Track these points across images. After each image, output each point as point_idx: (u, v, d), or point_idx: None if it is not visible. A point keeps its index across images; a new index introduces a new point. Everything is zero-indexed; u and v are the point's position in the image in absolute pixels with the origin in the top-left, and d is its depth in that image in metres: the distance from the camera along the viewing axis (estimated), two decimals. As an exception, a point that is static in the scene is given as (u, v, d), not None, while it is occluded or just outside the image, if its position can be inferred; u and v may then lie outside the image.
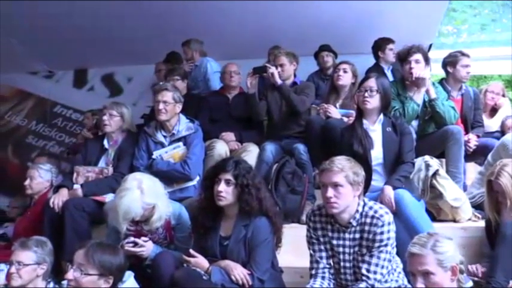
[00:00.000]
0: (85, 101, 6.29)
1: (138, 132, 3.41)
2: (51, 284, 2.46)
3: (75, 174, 3.20)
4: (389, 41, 4.58)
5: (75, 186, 3.13)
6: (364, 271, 2.11)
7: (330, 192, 2.11)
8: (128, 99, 5.40)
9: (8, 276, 2.42)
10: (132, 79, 6.43)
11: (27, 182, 3.39)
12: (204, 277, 2.27)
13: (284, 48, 4.10)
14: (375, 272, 2.10)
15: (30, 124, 6.78)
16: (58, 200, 2.98)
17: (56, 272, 2.70)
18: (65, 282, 2.54)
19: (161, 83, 3.72)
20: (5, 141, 6.85)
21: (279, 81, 3.58)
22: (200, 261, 2.31)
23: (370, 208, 2.17)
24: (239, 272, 2.28)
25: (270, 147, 3.44)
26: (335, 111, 3.44)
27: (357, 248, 2.17)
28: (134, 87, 6.30)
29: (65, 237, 2.89)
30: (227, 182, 2.34)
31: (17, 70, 6.64)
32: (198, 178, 3.19)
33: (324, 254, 2.25)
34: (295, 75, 3.83)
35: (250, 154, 3.43)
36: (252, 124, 3.79)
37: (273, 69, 3.59)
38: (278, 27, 5.09)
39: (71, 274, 1.95)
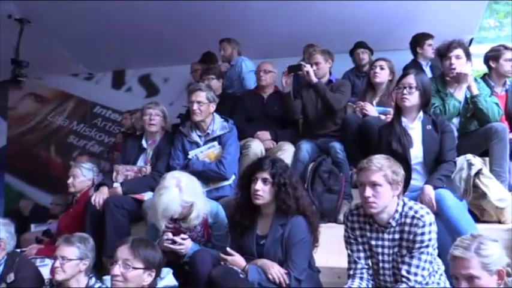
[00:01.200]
0: (123, 102, 6.46)
1: (174, 132, 3.46)
2: (93, 280, 2.51)
3: (114, 173, 3.28)
4: (428, 36, 4.45)
5: (115, 184, 3.21)
6: (404, 272, 2.06)
7: (368, 191, 2.08)
8: (164, 99, 5.49)
9: (52, 270, 2.51)
10: (168, 79, 6.56)
11: (70, 181, 3.48)
12: (241, 275, 2.28)
13: (319, 46, 4.06)
14: (416, 274, 2.04)
15: (71, 124, 7.04)
16: (99, 198, 3.07)
17: (97, 268, 2.79)
18: (106, 278, 2.62)
19: (195, 83, 3.76)
20: (48, 141, 7.14)
21: (315, 80, 3.54)
22: (237, 260, 2.32)
23: (410, 208, 2.12)
24: (276, 271, 2.28)
25: (306, 146, 3.42)
26: (372, 109, 3.37)
27: (396, 249, 2.12)
28: (170, 88, 6.41)
29: (105, 234, 2.98)
30: (264, 181, 2.34)
31: (59, 73, 6.92)
32: (233, 177, 3.21)
33: (362, 255, 2.22)
34: (330, 73, 3.78)
35: (286, 153, 3.42)
36: (287, 123, 3.77)
37: (308, 68, 3.55)
38: (313, 25, 5.06)
39: (117, 269, 1.99)
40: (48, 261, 2.90)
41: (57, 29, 5.63)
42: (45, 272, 2.75)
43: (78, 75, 7.03)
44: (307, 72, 3.53)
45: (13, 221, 5.23)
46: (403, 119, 2.76)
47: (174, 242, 2.48)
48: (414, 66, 4.16)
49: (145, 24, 5.33)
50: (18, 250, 3.10)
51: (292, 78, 3.70)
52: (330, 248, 2.58)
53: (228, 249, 2.36)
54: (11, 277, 2.49)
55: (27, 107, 7.29)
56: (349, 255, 2.25)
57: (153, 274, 2.09)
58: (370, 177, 2.08)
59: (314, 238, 2.44)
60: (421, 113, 2.76)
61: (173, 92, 6.24)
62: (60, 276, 2.39)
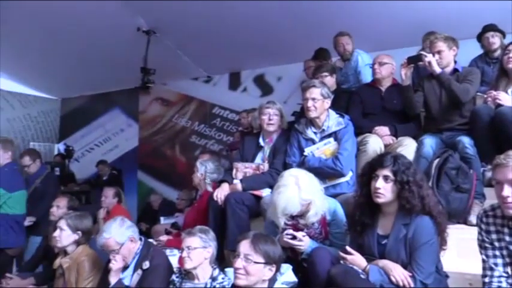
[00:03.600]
0: (239, 102, 6.72)
1: (290, 130, 3.49)
2: (217, 271, 2.65)
3: (234, 170, 3.41)
4: None
5: (235, 181, 3.33)
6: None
7: (507, 191, 1.86)
8: (278, 97, 5.56)
9: (180, 260, 2.71)
10: (282, 78, 6.65)
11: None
12: (361, 276, 2.21)
13: (441, 33, 3.75)
14: None
15: (193, 125, 7.53)
16: (220, 193, 3.22)
17: (220, 260, 2.93)
18: (228, 270, 2.74)
19: (309, 80, 3.74)
20: (173, 141, 7.74)
21: (438, 70, 3.29)
22: (357, 259, 2.25)
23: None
24: (399, 273, 2.16)
25: (430, 141, 3.19)
26: (507, 98, 3.01)
27: (542, 256, 1.87)
28: (284, 86, 6.50)
29: (227, 228, 3.12)
30: (385, 178, 2.24)
31: (182, 77, 7.44)
32: (350, 174, 3.13)
33: (499, 261, 2.00)
34: (455, 62, 3.47)
35: (407, 149, 3.22)
36: (407, 117, 3.56)
37: (429, 57, 3.31)
38: (432, 10, 4.69)
39: (239, 263, 2.07)
40: (176, 252, 3.12)
41: (179, 37, 6.08)
42: (174, 262, 2.96)
43: (198, 78, 7.50)
44: (429, 62, 3.29)
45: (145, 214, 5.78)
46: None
47: (294, 238, 2.50)
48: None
49: (258, 25, 5.47)
50: (151, 240, 3.39)
51: (412, 70, 3.49)
52: (460, 251, 2.39)
53: (347, 247, 2.31)
54: (146, 264, 2.73)
55: (155, 110, 7.99)
56: (484, 261, 2.05)
57: (273, 269, 2.12)
58: (508, 175, 1.87)
59: (442, 240, 2.26)
60: None
61: (287, 90, 6.31)
62: (188, 265, 2.58)
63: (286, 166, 3.17)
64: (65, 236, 3.04)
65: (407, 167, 2.25)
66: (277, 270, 2.17)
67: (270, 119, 3.43)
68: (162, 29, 5.98)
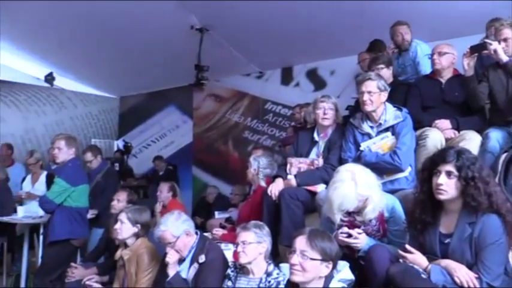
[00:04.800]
0: (292, 97, 6.69)
1: (345, 124, 3.41)
2: (271, 266, 2.65)
3: (288, 165, 3.38)
4: None
5: (289, 176, 3.30)
6: None
7: None
8: (332, 91, 5.45)
9: (235, 254, 2.73)
10: (335, 72, 6.53)
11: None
12: (422, 275, 2.12)
13: (507, 19, 3.51)
14: None
15: (246, 120, 7.59)
16: (275, 189, 3.21)
17: (274, 256, 2.93)
18: (283, 265, 2.73)
19: (364, 73, 3.64)
20: (226, 136, 7.84)
21: (505, 58, 3.08)
22: (418, 258, 2.16)
23: None
24: (464, 274, 2.05)
25: (496, 135, 2.99)
26: None
27: None
28: (337, 80, 6.38)
29: (281, 223, 3.10)
30: (448, 174, 2.12)
31: (234, 73, 7.51)
32: (409, 169, 3.01)
33: None
34: (523, 49, 3.24)
35: (470, 143, 3.04)
36: (470, 109, 3.37)
37: (495, 45, 3.11)
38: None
39: (295, 259, 2.05)
40: (231, 246, 3.14)
41: (231, 34, 6.12)
42: (228, 256, 2.98)
43: (250, 74, 7.53)
44: (495, 50, 3.10)
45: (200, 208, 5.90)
46: None
47: (349, 236, 2.44)
48: None
49: (310, 19, 5.39)
50: (207, 234, 3.44)
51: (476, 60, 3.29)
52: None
53: (407, 246, 2.22)
54: (202, 258, 2.77)
55: (209, 106, 8.13)
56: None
57: (330, 266, 2.08)
58: None
59: (510, 240, 2.12)
60: None
61: (340, 84, 6.19)
62: (243, 259, 2.60)
63: (342, 162, 3.10)
64: (125, 229, 3.15)
65: (473, 162, 2.13)
66: (334, 267, 2.13)
67: (324, 113, 3.36)
68: (215, 26, 6.05)
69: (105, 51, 6.77)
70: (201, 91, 7.58)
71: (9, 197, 5.09)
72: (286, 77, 7.16)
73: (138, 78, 7.93)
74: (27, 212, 4.81)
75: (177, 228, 2.84)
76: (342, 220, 2.55)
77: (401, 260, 2.22)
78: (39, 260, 4.49)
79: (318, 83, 6.72)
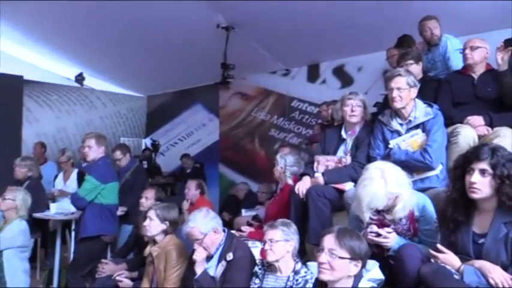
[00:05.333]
0: (318, 94, 6.65)
1: (373, 121, 3.36)
2: (299, 264, 2.64)
3: (315, 163, 3.35)
4: None
5: (316, 174, 3.28)
6: None
7: None
8: (359, 88, 5.38)
9: (262, 252, 2.73)
10: (362, 68, 6.45)
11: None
12: (455, 276, 2.06)
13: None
14: None
15: (272, 118, 7.59)
16: (302, 187, 3.19)
17: (302, 254, 2.91)
18: (310, 264, 2.72)
19: (392, 69, 3.57)
20: (252, 134, 7.85)
21: (541, 52, 2.97)
22: (450, 258, 2.10)
23: None
24: (499, 275, 1.98)
25: (531, 132, 2.90)
26: None
27: None
28: (365, 76, 6.31)
29: (308, 221, 3.08)
30: (482, 172, 2.06)
31: (260, 71, 7.51)
32: (440, 167, 2.94)
33: None
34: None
35: (504, 140, 2.92)
36: (504, 105, 3.26)
37: (531, 39, 3.01)
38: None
39: (323, 258, 2.03)
40: (258, 244, 3.14)
41: (257, 32, 6.12)
42: (256, 254, 2.98)
43: (276, 72, 7.51)
44: (530, 44, 2.99)
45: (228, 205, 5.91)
46: None
47: (378, 235, 2.40)
48: None
49: (337, 15, 5.33)
50: (234, 231, 3.46)
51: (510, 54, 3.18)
52: None
53: (439, 246, 2.16)
54: (230, 256, 2.79)
55: (235, 104, 8.15)
56: None
57: (359, 265, 2.06)
58: None
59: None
60: None
61: (368, 80, 6.11)
62: (270, 257, 2.60)
63: (370, 159, 3.05)
64: (154, 226, 3.20)
65: (508, 160, 2.05)
66: (363, 266, 2.10)
67: (352, 110, 3.32)
68: (241, 24, 6.06)
69: (133, 51, 6.88)
70: (227, 89, 7.61)
71: (42, 194, 5.23)
72: (313, 74, 7.12)
73: (165, 77, 8.03)
74: (60, 209, 4.94)
75: (205, 225, 2.86)
76: (371, 218, 2.51)
77: (432, 260, 2.17)
78: (71, 256, 4.61)
79: (345, 79, 6.65)
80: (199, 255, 2.84)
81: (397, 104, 3.05)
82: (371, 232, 2.41)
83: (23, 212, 3.89)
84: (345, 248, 2.01)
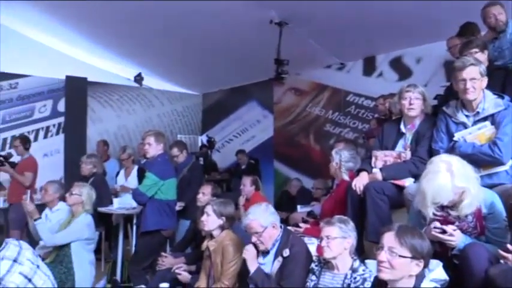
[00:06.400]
0: (375, 88, 6.46)
1: (435, 114, 3.20)
2: (357, 262, 2.58)
3: (373, 159, 3.25)
4: None
5: (374, 170, 3.18)
6: None
7: None
8: (418, 80, 5.17)
9: (319, 249, 2.69)
10: (421, 59, 6.19)
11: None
12: (528, 278, 1.93)
13: None
14: None
15: (327, 113, 7.48)
16: (359, 183, 3.11)
17: (359, 252, 2.84)
18: (368, 262, 2.65)
19: (454, 59, 3.37)
20: (307, 130, 7.79)
21: None
22: (522, 259, 1.98)
23: None
24: None
25: None
26: None
27: None
28: (424, 68, 6.05)
29: (366, 218, 3.00)
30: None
31: (314, 66, 7.41)
32: (510, 162, 2.74)
33: None
34: None
35: None
36: None
37: None
38: None
39: (383, 256, 1.96)
40: (314, 241, 3.11)
41: (311, 26, 6.03)
42: (312, 250, 2.95)
43: (331, 66, 7.39)
44: None
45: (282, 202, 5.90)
46: None
47: (443, 232, 2.28)
48: None
49: (393, 5, 5.13)
50: (290, 228, 3.44)
51: None
52: None
53: (508, 245, 2.03)
54: (286, 252, 2.78)
55: (289, 100, 8.12)
56: None
57: (421, 264, 1.96)
58: None
59: None
60: None
61: (427, 72, 5.85)
62: (328, 254, 2.57)
63: (433, 153, 2.90)
64: (211, 221, 3.25)
65: None
66: (425, 266, 2.00)
67: (410, 104, 3.17)
68: (294, 19, 6.00)
69: (188, 50, 7.03)
70: (281, 85, 7.58)
71: (106, 190, 5.49)
72: (369, 67, 6.92)
73: (220, 74, 8.14)
74: (122, 204, 5.15)
75: (265, 219, 2.88)
76: (434, 215, 2.38)
77: (502, 261, 2.04)
78: (133, 249, 4.80)
79: (403, 72, 6.41)
80: (248, 253, 2.86)
81: (471, 96, 2.85)
82: (435, 228, 2.30)
83: (88, 206, 4.09)
84: (406, 246, 1.93)
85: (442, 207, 2.38)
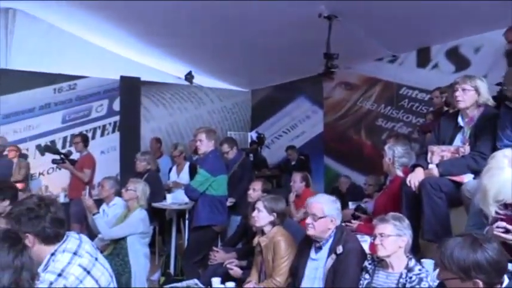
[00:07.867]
0: (430, 80, 6.22)
1: (497, 107, 3.02)
2: (413, 261, 2.49)
3: (429, 154, 3.13)
4: None
5: (430, 165, 3.06)
6: None
7: None
8: (477, 71, 4.93)
9: (372, 247, 2.62)
10: (480, 49, 5.87)
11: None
12: None
13: None
14: None
15: (379, 108, 7.28)
16: (414, 179, 3.00)
17: (415, 250, 2.74)
18: (425, 261, 2.55)
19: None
20: (358, 125, 7.62)
21: None
22: None
23: None
24: None
25: None
26: None
27: None
28: (483, 58, 5.73)
29: (422, 216, 2.89)
30: None
31: (365, 59, 7.23)
32: None
33: None
34: None
35: None
36: None
37: None
38: None
39: None
40: (367, 238, 3.03)
41: (360, 18, 5.88)
42: (365, 248, 2.88)
43: (382, 59, 7.18)
44: None
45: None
46: None
47: (507, 231, 2.14)
48: None
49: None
50: (343, 224, 3.37)
51: None
52: None
53: None
54: (340, 249, 2.72)
55: (339, 95, 7.99)
56: None
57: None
58: None
59: None
60: None
61: (487, 61, 5.54)
62: (381, 252, 2.50)
63: (495, 149, 2.73)
64: (262, 217, 3.25)
65: None
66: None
67: (459, 95, 3.02)
68: (343, 12, 5.87)
69: (237, 48, 7.07)
70: (331, 80, 7.42)
71: (160, 186, 5.65)
72: (423, 58, 6.65)
73: (268, 71, 8.13)
74: (175, 199, 5.28)
75: (329, 209, 2.85)
76: (497, 213, 2.25)
77: None
78: (185, 243, 4.91)
79: (460, 62, 6.10)
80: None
81: None
82: (497, 227, 2.17)
83: (143, 201, 4.22)
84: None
85: (506, 205, 2.24)
